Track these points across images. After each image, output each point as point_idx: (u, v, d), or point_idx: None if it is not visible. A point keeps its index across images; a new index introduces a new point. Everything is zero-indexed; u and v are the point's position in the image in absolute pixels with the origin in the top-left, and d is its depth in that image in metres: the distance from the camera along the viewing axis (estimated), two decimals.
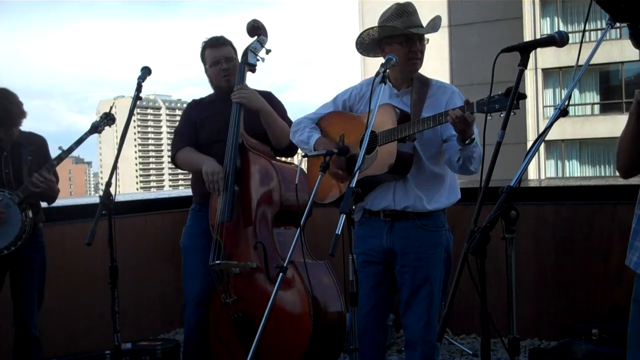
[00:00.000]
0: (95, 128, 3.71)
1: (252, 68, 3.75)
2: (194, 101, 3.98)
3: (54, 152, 3.71)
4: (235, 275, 3.55)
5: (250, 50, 3.74)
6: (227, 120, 3.66)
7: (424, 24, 2.98)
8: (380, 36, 2.98)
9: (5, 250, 3.54)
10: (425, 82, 3.03)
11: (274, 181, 3.53)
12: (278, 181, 3.52)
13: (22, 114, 3.61)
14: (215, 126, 3.74)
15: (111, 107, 3.97)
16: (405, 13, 2.94)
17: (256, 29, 3.78)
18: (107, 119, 3.74)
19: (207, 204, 3.70)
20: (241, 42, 3.81)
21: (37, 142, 3.78)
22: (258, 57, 3.77)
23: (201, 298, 3.68)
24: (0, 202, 3.54)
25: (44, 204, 3.87)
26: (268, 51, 3.78)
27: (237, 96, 3.64)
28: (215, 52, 3.76)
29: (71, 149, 3.63)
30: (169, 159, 4.12)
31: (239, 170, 3.60)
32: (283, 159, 3.80)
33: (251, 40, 3.77)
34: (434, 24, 2.96)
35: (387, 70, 2.79)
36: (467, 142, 2.67)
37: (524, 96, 2.21)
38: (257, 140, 3.70)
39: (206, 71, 3.81)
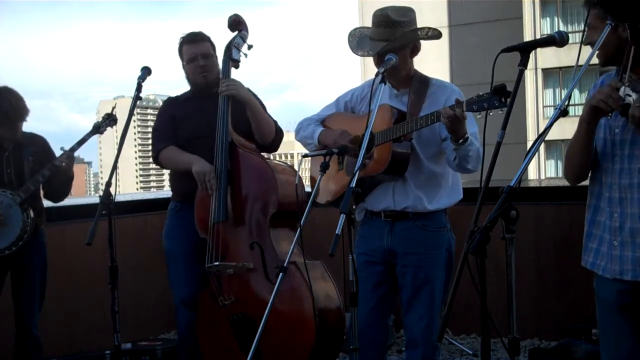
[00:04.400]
0: (97, 129, 3.72)
1: (236, 64, 3.68)
2: (170, 99, 3.93)
3: (55, 153, 3.73)
4: (228, 276, 3.49)
5: (234, 46, 3.67)
6: (205, 117, 3.61)
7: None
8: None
9: (6, 251, 3.55)
10: (425, 81, 3.02)
11: (271, 181, 3.50)
12: (276, 181, 3.49)
13: (27, 110, 3.63)
14: (194, 124, 3.69)
15: (113, 108, 3.97)
16: (374, 24, 2.93)
17: (237, 23, 3.71)
18: (109, 119, 3.74)
19: (187, 202, 3.64)
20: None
21: (40, 143, 3.79)
22: (241, 53, 3.70)
23: (189, 301, 3.65)
24: (1, 203, 3.54)
25: (47, 204, 3.88)
26: (250, 46, 3.70)
27: (226, 88, 3.56)
28: (193, 48, 3.70)
29: (73, 149, 3.65)
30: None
31: (230, 169, 3.55)
32: (271, 156, 3.77)
33: (232, 34, 3.70)
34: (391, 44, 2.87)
35: (387, 71, 2.79)
36: (460, 141, 2.67)
37: (508, 93, 2.23)
38: (243, 137, 3.66)
39: (183, 67, 3.76)
